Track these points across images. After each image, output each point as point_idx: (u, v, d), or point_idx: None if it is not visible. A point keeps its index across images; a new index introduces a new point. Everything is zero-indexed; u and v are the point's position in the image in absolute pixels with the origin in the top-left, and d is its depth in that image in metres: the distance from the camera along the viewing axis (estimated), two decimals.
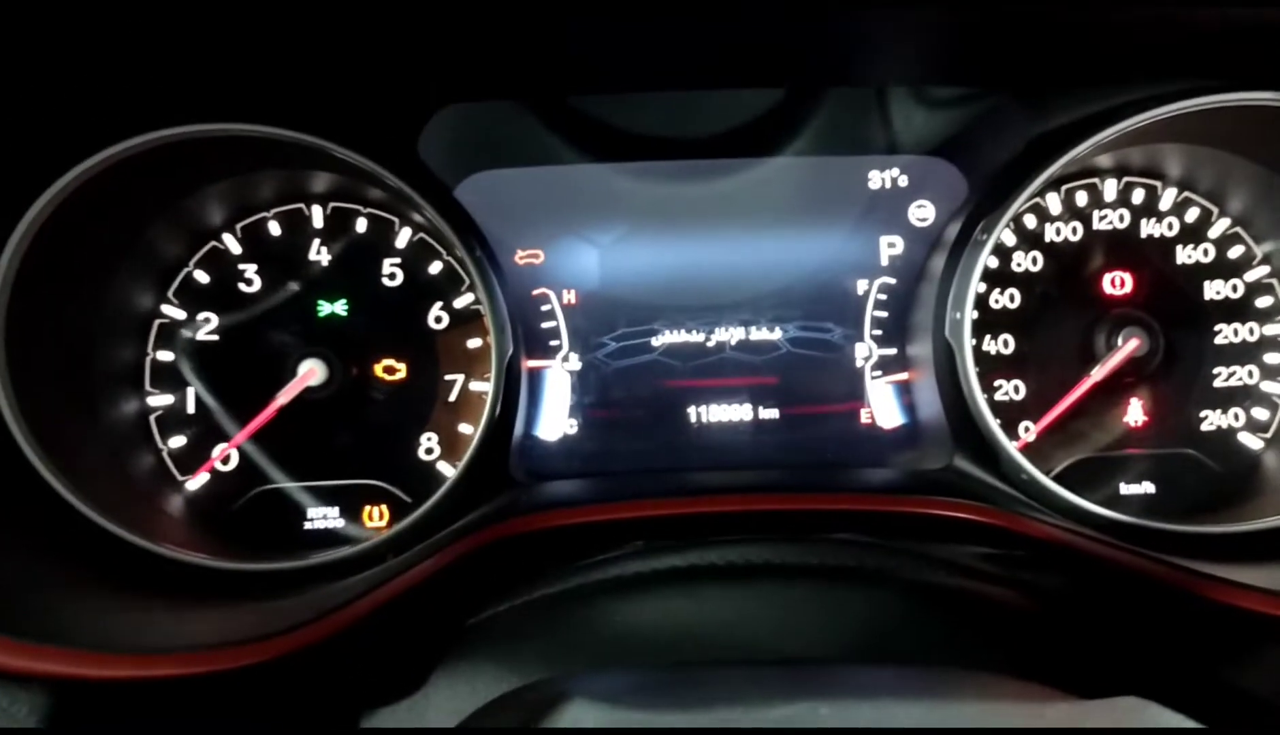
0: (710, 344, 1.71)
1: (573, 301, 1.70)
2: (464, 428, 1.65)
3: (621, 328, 1.70)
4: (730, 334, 1.71)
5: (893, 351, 1.71)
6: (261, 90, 1.48)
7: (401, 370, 1.66)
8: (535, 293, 1.69)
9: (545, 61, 1.55)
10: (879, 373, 1.72)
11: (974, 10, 1.37)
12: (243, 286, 1.65)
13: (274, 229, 1.66)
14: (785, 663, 1.19)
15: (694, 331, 1.71)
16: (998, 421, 1.57)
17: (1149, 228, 1.69)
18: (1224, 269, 1.69)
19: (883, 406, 1.72)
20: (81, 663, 1.09)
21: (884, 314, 1.71)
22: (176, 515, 1.60)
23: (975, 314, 1.63)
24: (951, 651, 1.26)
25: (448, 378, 1.66)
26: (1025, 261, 1.69)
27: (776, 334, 1.71)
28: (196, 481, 1.64)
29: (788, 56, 1.58)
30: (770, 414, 1.71)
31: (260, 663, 1.17)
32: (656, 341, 1.71)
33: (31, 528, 1.40)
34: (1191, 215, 1.69)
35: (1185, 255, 1.69)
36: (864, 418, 1.71)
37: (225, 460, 1.64)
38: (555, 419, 1.69)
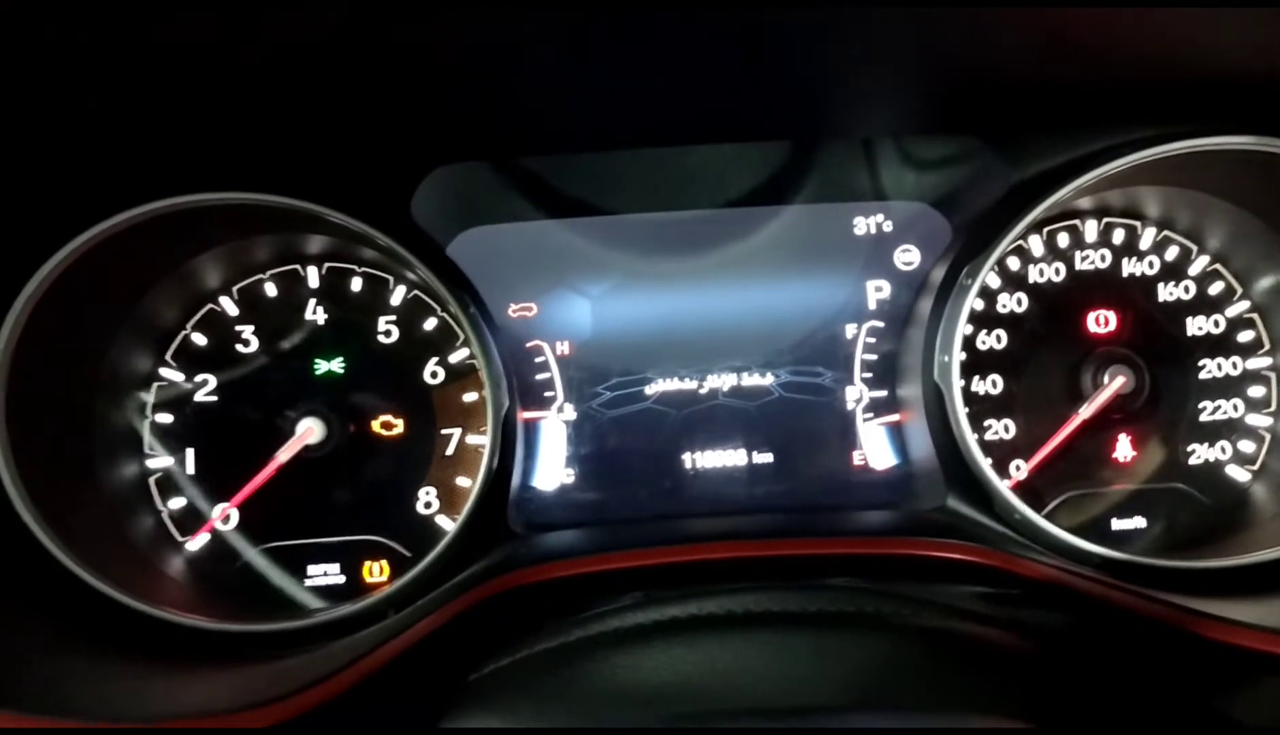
0: (703, 391, 1.73)
1: (566, 353, 1.72)
2: (462, 481, 1.67)
3: (615, 377, 1.72)
4: (722, 381, 1.73)
5: (883, 394, 1.74)
6: (256, 159, 1.51)
7: (399, 426, 1.68)
8: (529, 345, 1.71)
9: (536, 123, 1.58)
10: (870, 415, 1.74)
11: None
12: (240, 348, 1.67)
13: (270, 290, 1.69)
14: (790, 713, 1.20)
15: (687, 379, 1.73)
16: (989, 461, 1.60)
17: (1130, 267, 1.72)
18: (1205, 305, 1.72)
19: (875, 448, 1.74)
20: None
21: (873, 357, 1.74)
22: (177, 577, 1.61)
23: (963, 356, 1.66)
24: (954, 695, 1.27)
25: (445, 432, 1.68)
26: (1010, 303, 1.72)
27: (768, 379, 1.73)
28: (197, 542, 1.65)
29: (775, 111, 1.62)
30: (764, 458, 1.73)
31: (266, 728, 1.17)
32: (650, 390, 1.73)
33: (31, 596, 1.41)
34: (1171, 254, 1.73)
35: (1167, 293, 1.72)
36: (857, 460, 1.73)
37: (225, 520, 1.65)
38: (552, 469, 1.71)
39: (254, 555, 1.65)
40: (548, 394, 1.71)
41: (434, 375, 1.69)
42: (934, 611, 1.35)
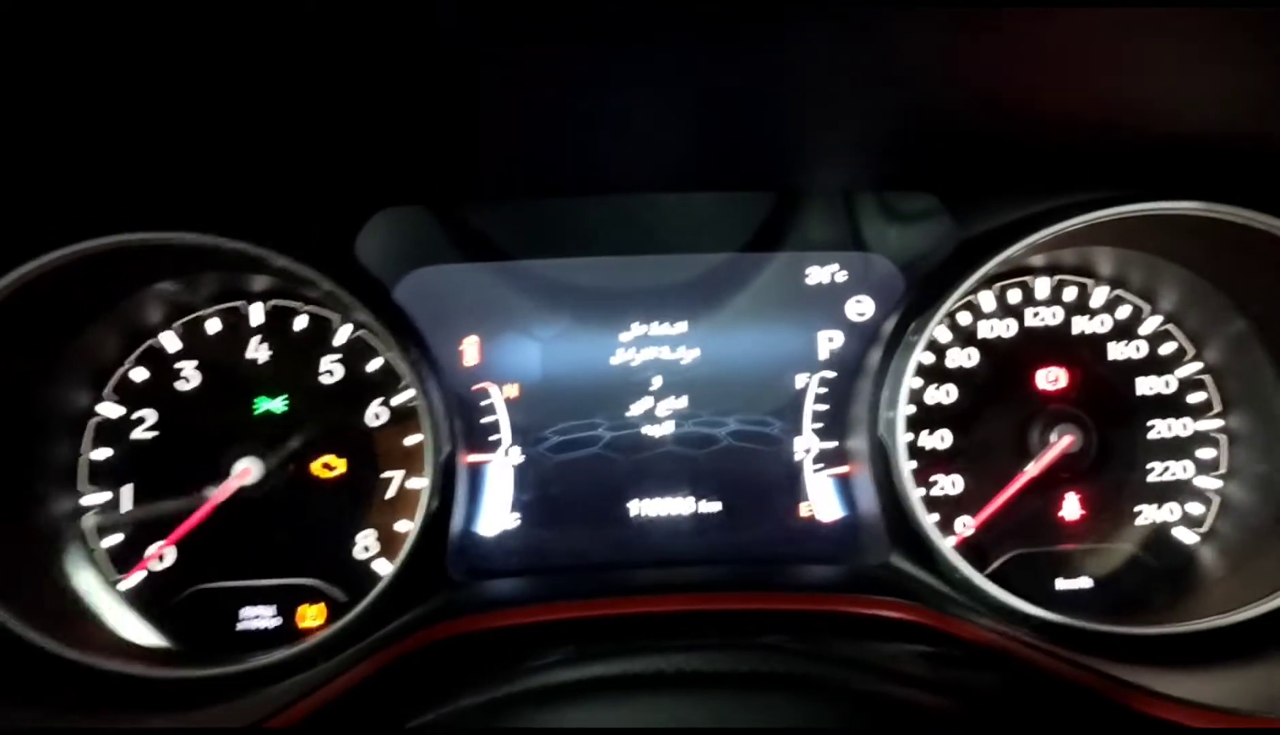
0: (651, 437, 1.72)
1: (514, 396, 1.70)
2: (401, 525, 1.65)
3: (563, 422, 1.71)
4: (671, 428, 1.72)
5: (833, 445, 1.72)
6: (199, 199, 1.49)
7: (340, 467, 1.66)
8: (476, 387, 1.70)
9: (484, 167, 1.57)
10: (820, 466, 1.72)
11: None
12: (180, 384, 1.65)
13: (212, 327, 1.67)
14: None
15: (635, 425, 1.71)
16: (934, 517, 1.59)
17: (1081, 325, 1.72)
18: (1156, 365, 1.71)
19: (822, 500, 1.72)
20: None
21: (824, 407, 1.72)
22: (107, 619, 1.58)
23: (912, 409, 1.65)
24: None
25: (385, 475, 1.66)
26: (960, 358, 1.71)
27: (717, 428, 1.72)
28: (130, 582, 1.62)
29: (731, 164, 1.62)
30: (711, 508, 1.72)
31: None
32: (598, 435, 1.71)
33: None
34: (1123, 313, 1.72)
35: (1118, 352, 1.71)
36: (803, 512, 1.72)
37: (160, 559, 1.62)
38: (495, 515, 1.69)
39: (187, 597, 1.62)
40: (493, 437, 1.70)
41: (377, 417, 1.67)
42: (866, 674, 1.34)
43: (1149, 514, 1.69)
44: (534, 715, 1.32)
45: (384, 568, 1.64)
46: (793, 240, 1.72)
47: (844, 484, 1.72)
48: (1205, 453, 1.70)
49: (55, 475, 1.60)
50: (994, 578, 1.58)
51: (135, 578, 1.62)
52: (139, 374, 1.66)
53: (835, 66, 1.27)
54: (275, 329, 1.67)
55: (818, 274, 1.73)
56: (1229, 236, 1.51)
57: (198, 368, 1.66)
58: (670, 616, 1.50)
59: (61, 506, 1.61)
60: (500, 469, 1.70)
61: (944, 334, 1.70)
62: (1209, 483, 1.70)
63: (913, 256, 1.69)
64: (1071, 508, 1.69)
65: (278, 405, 1.65)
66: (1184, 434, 1.70)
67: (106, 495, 1.63)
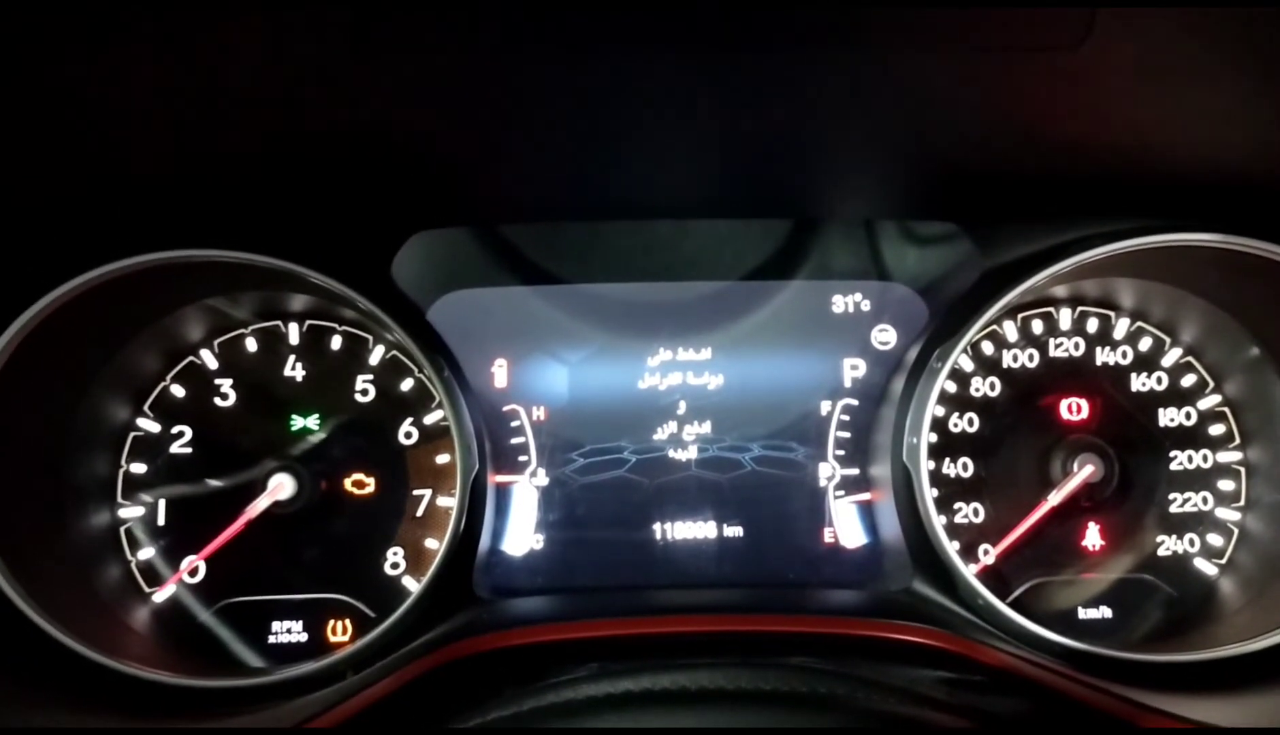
0: (676, 461, 1.74)
1: (542, 418, 1.73)
2: (430, 542, 1.68)
3: (589, 444, 1.73)
4: (695, 452, 1.74)
5: (855, 472, 1.74)
6: (241, 219, 1.54)
7: (371, 485, 1.69)
8: (505, 409, 1.73)
9: (516, 191, 1.61)
10: (842, 492, 1.74)
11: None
12: (218, 401, 1.69)
13: (250, 346, 1.71)
14: None
15: (660, 449, 1.74)
16: (956, 545, 1.61)
17: (1103, 356, 1.74)
18: (1177, 397, 1.73)
19: (845, 526, 1.74)
20: None
21: (847, 434, 1.74)
22: (141, 629, 1.62)
23: (934, 437, 1.67)
24: None
25: (416, 492, 1.69)
26: (983, 387, 1.73)
27: (741, 453, 1.74)
28: (163, 594, 1.65)
29: (759, 192, 1.65)
30: (734, 531, 1.73)
31: None
32: (623, 458, 1.74)
33: None
34: (1145, 344, 1.74)
35: (1139, 383, 1.73)
36: (827, 537, 1.73)
37: (193, 573, 1.65)
38: (521, 534, 1.71)
39: (219, 610, 1.65)
40: (521, 458, 1.72)
41: (408, 436, 1.70)
42: (887, 694, 1.34)
43: (1169, 544, 1.70)
44: (556, 730, 1.34)
45: (412, 584, 1.66)
46: (817, 268, 1.75)
47: (867, 510, 1.74)
48: (1225, 484, 1.71)
49: (94, 488, 1.64)
50: (1015, 605, 1.60)
51: (169, 590, 1.65)
52: (178, 390, 1.70)
53: (860, 98, 1.31)
54: (312, 348, 1.71)
55: (842, 302, 1.75)
56: (1247, 269, 1.53)
57: (235, 385, 1.70)
58: (693, 637, 1.52)
59: (100, 518, 1.64)
60: (527, 489, 1.72)
61: (967, 363, 1.72)
62: (1229, 514, 1.71)
63: (936, 285, 1.72)
64: (1093, 537, 1.70)
65: (312, 423, 1.69)
66: (1205, 466, 1.71)
67: (143, 508, 1.67)
